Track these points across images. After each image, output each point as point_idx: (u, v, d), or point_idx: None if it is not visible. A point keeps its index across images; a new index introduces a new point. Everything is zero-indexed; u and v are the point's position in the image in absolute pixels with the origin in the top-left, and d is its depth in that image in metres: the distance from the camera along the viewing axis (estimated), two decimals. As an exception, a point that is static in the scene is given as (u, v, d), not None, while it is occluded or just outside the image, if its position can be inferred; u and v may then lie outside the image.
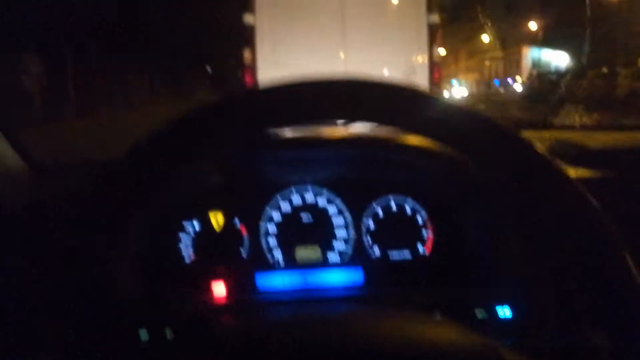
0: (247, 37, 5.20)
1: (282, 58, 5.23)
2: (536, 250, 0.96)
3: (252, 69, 5.24)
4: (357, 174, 1.15)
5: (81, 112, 15.13)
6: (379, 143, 0.98)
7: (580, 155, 1.13)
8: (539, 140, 1.35)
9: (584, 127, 1.59)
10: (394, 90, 0.51)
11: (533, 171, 0.50)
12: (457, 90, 29.01)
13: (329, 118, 0.50)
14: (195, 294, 1.03)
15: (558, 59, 27.51)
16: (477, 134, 0.50)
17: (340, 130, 1.08)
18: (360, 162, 1.11)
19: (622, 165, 1.06)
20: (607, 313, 0.50)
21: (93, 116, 15.29)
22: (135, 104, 19.42)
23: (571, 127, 1.64)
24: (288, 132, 1.06)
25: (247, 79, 5.30)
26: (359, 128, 1.11)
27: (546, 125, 1.55)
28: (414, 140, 0.95)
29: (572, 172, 1.09)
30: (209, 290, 1.04)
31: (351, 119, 0.53)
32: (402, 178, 1.12)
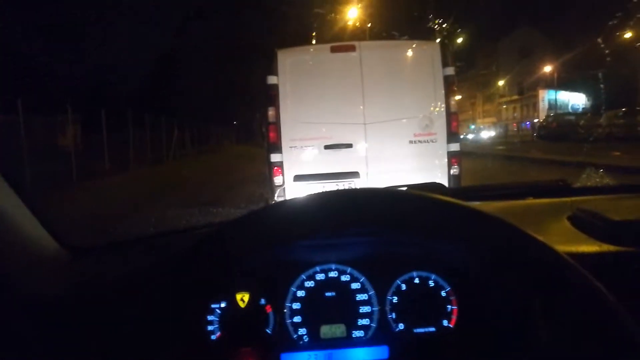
0: (271, 96, 5.39)
1: (303, 116, 5.39)
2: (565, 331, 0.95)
3: (276, 125, 5.42)
4: (380, 252, 1.16)
5: (115, 169, 15.64)
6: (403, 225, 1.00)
7: (602, 227, 1.12)
8: (560, 207, 1.34)
9: (606, 190, 1.57)
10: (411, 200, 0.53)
11: (544, 277, 0.51)
12: (485, 133, 29.16)
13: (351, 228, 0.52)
14: None
15: (575, 99, 27.51)
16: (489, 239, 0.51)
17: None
18: (383, 241, 1.13)
19: None
20: None
21: (127, 172, 15.78)
22: (163, 159, 19.94)
23: (592, 190, 1.62)
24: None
25: (272, 135, 5.48)
26: None
27: (565, 190, 1.54)
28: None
29: (597, 247, 1.08)
30: None
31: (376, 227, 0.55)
32: (425, 254, 1.13)
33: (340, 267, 1.14)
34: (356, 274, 1.14)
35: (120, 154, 17.06)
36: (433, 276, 1.14)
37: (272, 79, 5.41)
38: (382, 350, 1.08)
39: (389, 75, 5.55)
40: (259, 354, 1.07)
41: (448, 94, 5.54)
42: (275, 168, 5.46)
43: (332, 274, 1.14)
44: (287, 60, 5.44)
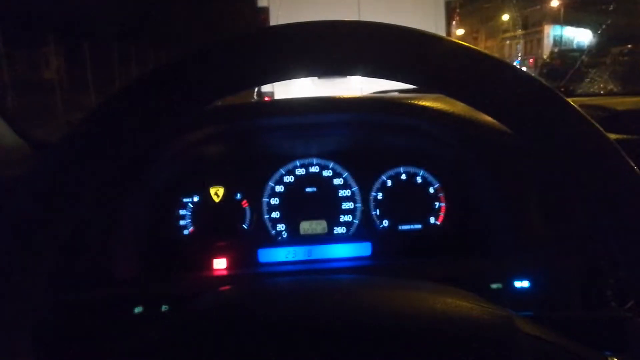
0: (261, 20, 5.18)
1: None
2: (562, 220, 0.90)
3: None
4: (365, 146, 1.09)
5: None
6: (389, 106, 0.91)
7: (610, 118, 1.04)
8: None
9: (609, 94, 1.48)
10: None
11: (573, 134, 0.43)
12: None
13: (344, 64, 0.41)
14: (195, 269, 0.99)
15: (581, 36, 26.77)
16: (510, 88, 0.42)
17: (348, 96, 1.02)
18: (368, 132, 1.05)
19: None
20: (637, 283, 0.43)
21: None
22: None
23: (595, 95, 1.53)
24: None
25: None
26: (368, 94, 1.04)
27: (568, 94, 1.45)
28: (426, 102, 0.88)
29: None
30: (209, 265, 1.00)
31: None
32: (414, 148, 1.06)
33: (322, 161, 1.06)
34: (339, 169, 1.06)
35: (106, 88, 16.64)
36: (421, 172, 1.07)
37: (262, 1, 5.17)
38: (365, 247, 1.03)
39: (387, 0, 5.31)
40: (235, 250, 1.02)
41: (449, 21, 5.34)
42: (266, 99, 5.32)
43: (314, 169, 1.07)
44: None
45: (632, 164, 0.42)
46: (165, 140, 0.89)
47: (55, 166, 0.38)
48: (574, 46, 24.70)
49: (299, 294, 0.50)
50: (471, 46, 0.41)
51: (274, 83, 5.13)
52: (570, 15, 26.56)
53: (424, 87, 0.44)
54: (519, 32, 31.69)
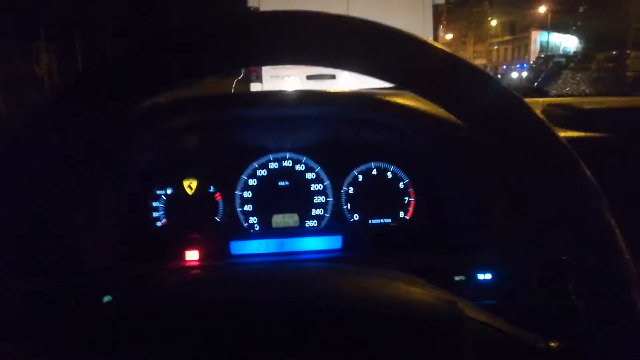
0: None
1: None
2: (521, 215, 0.92)
3: None
4: (337, 141, 1.11)
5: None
6: (358, 99, 0.93)
7: (571, 116, 1.07)
8: (531, 105, 1.29)
9: (581, 95, 1.51)
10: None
11: (524, 129, 0.45)
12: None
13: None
14: (167, 261, 0.99)
15: (567, 42, 27.09)
16: (470, 88, 0.44)
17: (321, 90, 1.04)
18: (340, 128, 1.07)
19: (615, 125, 1.00)
20: (591, 276, 0.45)
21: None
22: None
23: (568, 95, 1.56)
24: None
25: (251, 68, 5.33)
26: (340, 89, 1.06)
27: (540, 93, 1.48)
28: (395, 98, 0.91)
29: (561, 133, 1.03)
30: (182, 257, 1.01)
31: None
32: (385, 144, 1.08)
33: (295, 156, 1.08)
34: (311, 163, 1.08)
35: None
36: (392, 167, 1.09)
37: (252, 1, 5.18)
38: (335, 240, 1.05)
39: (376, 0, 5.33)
40: (207, 242, 1.03)
41: (436, 25, 5.37)
42: None
43: (286, 163, 1.08)
44: None
45: (579, 161, 0.44)
46: (140, 130, 0.90)
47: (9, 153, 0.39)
48: (560, 51, 24.98)
49: (248, 279, 0.51)
50: (433, 42, 0.43)
51: (263, 82, 5.14)
52: (557, 21, 26.87)
53: (390, 82, 0.46)
54: (507, 37, 31.99)
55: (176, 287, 0.51)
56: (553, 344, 0.47)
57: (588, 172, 0.44)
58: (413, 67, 0.44)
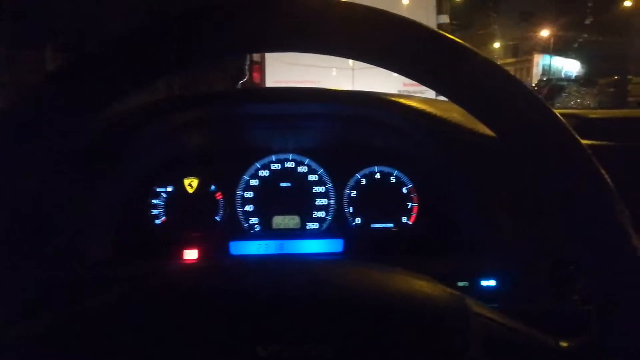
0: None
1: (287, 56, 5.23)
2: (529, 221, 0.91)
3: (260, 65, 5.30)
4: (341, 144, 1.10)
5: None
6: (366, 100, 0.92)
7: (580, 124, 1.06)
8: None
9: (584, 108, 1.51)
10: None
11: (553, 138, 0.44)
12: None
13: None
14: (166, 258, 0.98)
15: (569, 66, 27.30)
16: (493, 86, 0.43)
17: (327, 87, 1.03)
18: (344, 129, 1.06)
19: (623, 134, 0.99)
20: (601, 282, 0.44)
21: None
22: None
23: (572, 108, 1.56)
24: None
25: (255, 75, 5.39)
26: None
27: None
28: (403, 99, 0.90)
29: None
30: (181, 256, 1.00)
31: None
32: (389, 148, 1.07)
33: (298, 157, 1.07)
34: (314, 165, 1.07)
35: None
36: (395, 172, 1.08)
37: None
38: (337, 244, 1.04)
39: None
40: (207, 241, 1.02)
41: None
42: None
43: (289, 165, 1.07)
44: None
45: (601, 169, 0.44)
46: (142, 126, 0.89)
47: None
48: (562, 75, 25.15)
49: (254, 270, 0.50)
50: (462, 42, 0.43)
51: (267, 80, 5.16)
52: (559, 46, 27.11)
53: (407, 74, 0.45)
54: (510, 59, 32.24)
55: (181, 276, 0.50)
56: (564, 343, 0.46)
57: (610, 181, 0.44)
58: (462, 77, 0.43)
